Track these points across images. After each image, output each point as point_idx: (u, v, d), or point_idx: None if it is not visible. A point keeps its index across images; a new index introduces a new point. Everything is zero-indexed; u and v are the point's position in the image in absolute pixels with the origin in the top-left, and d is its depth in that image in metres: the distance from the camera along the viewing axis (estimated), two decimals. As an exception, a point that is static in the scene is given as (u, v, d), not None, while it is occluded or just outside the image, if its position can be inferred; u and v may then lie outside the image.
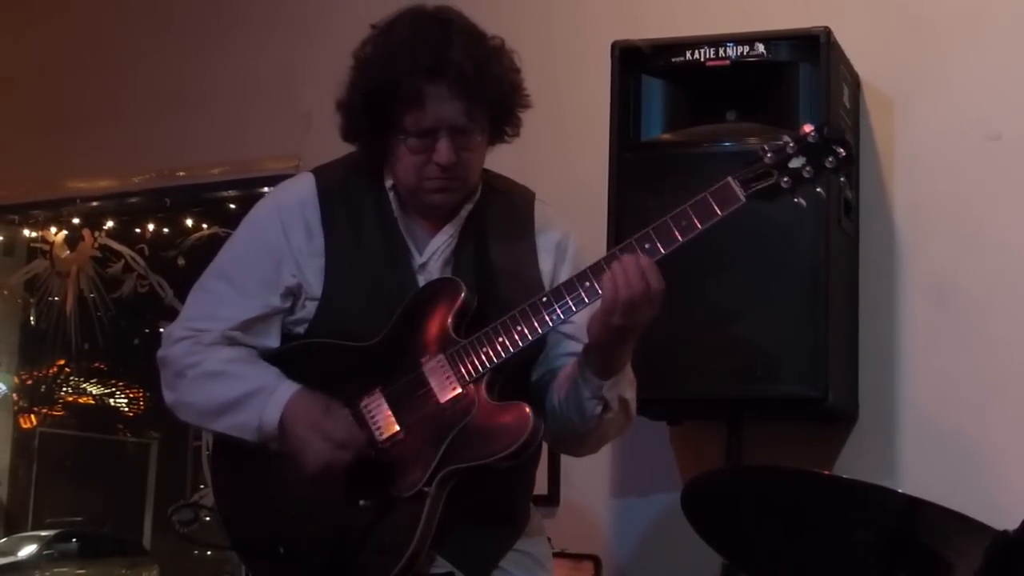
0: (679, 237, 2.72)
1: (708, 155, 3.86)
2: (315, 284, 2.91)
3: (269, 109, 5.20)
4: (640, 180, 3.88)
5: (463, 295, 2.83)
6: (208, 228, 5.60)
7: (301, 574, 2.81)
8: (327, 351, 2.90)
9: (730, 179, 2.72)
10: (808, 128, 2.74)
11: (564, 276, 2.88)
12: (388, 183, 2.95)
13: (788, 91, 3.85)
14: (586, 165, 4.13)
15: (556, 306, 2.75)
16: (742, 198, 2.71)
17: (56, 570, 5.96)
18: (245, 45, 5.32)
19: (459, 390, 2.78)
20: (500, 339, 2.76)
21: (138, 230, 5.81)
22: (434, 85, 2.79)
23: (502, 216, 2.99)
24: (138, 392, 6.00)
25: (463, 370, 2.78)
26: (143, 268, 5.77)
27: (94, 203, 5.79)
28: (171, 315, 5.62)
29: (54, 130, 5.66)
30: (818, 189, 2.74)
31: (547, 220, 3.03)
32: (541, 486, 4.14)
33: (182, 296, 5.61)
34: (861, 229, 4.09)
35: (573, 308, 2.76)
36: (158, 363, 2.99)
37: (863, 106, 4.16)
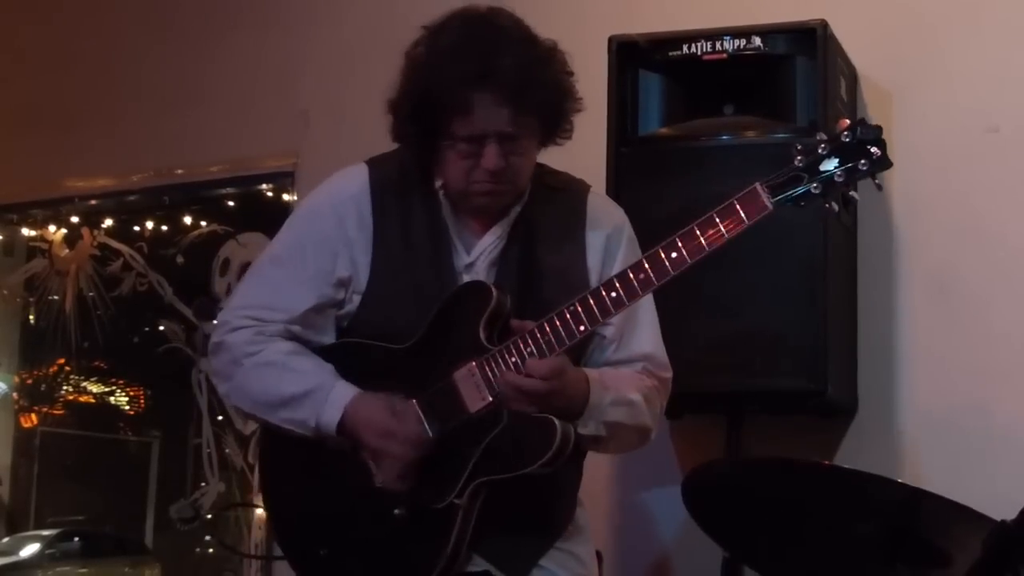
0: (705, 246, 2.65)
1: (706, 149, 3.87)
2: (363, 278, 2.91)
3: (267, 107, 5.21)
4: (638, 174, 3.89)
5: (494, 300, 2.79)
6: (207, 226, 5.59)
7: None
8: (363, 351, 2.89)
9: (758, 185, 2.62)
10: (843, 125, 2.62)
11: (619, 267, 2.84)
12: (438, 183, 2.92)
13: (785, 84, 3.85)
14: (584, 160, 4.09)
15: (583, 315, 2.70)
16: (769, 206, 2.61)
17: (58, 569, 5.96)
18: (243, 44, 5.33)
19: (489, 400, 2.76)
20: (528, 348, 2.73)
21: (137, 228, 5.81)
22: (480, 93, 2.76)
23: (553, 215, 2.96)
24: (138, 391, 6.00)
25: (493, 379, 2.75)
26: (142, 266, 5.77)
27: (93, 202, 5.80)
28: (171, 313, 5.68)
29: (52, 129, 5.67)
30: (852, 193, 2.66)
31: (598, 215, 3.00)
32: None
33: (181, 294, 5.69)
34: (859, 223, 4.09)
35: (599, 319, 2.71)
36: (211, 350, 2.99)
37: (860, 99, 4.16)
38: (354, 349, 2.91)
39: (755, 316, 3.74)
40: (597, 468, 4.27)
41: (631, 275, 2.69)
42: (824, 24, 3.82)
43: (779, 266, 3.73)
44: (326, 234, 2.93)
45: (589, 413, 2.81)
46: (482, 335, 2.78)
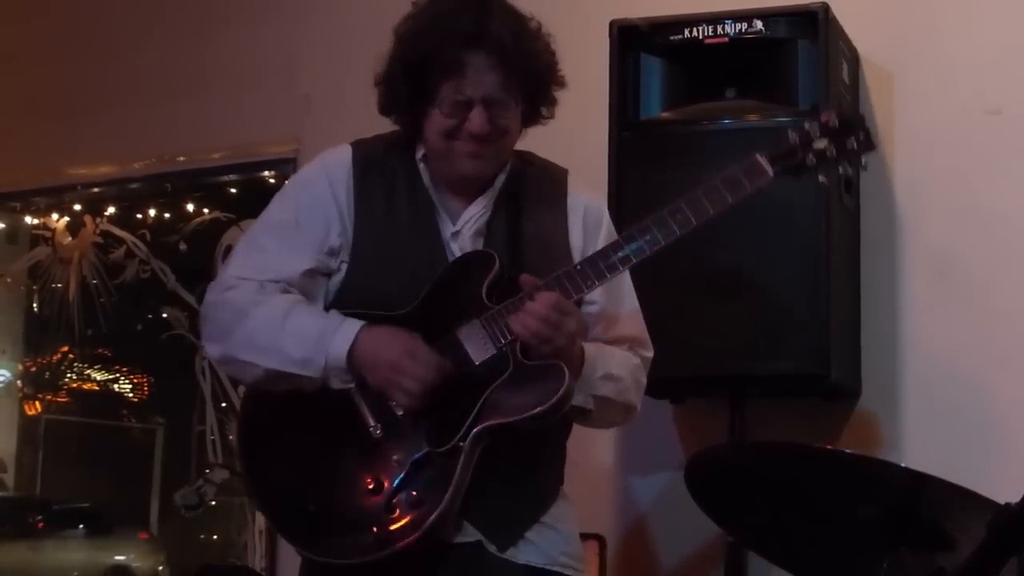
0: (710, 209, 2.80)
1: (708, 133, 3.86)
2: (350, 247, 2.95)
3: (268, 93, 5.20)
4: (640, 159, 3.89)
5: (496, 266, 2.86)
6: (209, 213, 5.59)
7: (332, 531, 2.83)
8: (359, 318, 2.89)
9: (758, 156, 2.81)
10: (826, 116, 2.85)
11: (596, 247, 2.93)
12: (419, 154, 2.98)
13: (787, 68, 3.84)
14: (586, 145, 4.11)
15: (591, 273, 2.80)
16: (770, 172, 2.80)
17: (62, 556, 5.97)
18: (244, 29, 5.32)
19: (494, 351, 2.81)
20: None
21: (139, 216, 5.80)
22: (473, 54, 2.83)
23: (536, 187, 3.03)
24: (142, 378, 5.99)
25: (498, 333, 2.81)
26: (145, 254, 5.76)
27: (95, 189, 5.79)
28: (174, 300, 5.68)
29: (54, 117, 5.66)
30: (841, 169, 2.86)
31: (579, 193, 3.08)
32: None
33: (184, 281, 5.68)
34: (862, 205, 4.09)
35: (607, 275, 2.81)
36: (206, 311, 2.99)
37: (862, 82, 4.15)
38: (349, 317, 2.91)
39: (758, 299, 3.74)
40: (600, 453, 4.28)
41: (639, 234, 2.81)
42: (825, 7, 3.81)
43: (782, 249, 3.74)
44: (317, 201, 2.96)
45: (580, 385, 2.85)
46: (484, 297, 2.84)
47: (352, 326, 2.84)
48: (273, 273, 2.93)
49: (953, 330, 4.02)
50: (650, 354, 3.10)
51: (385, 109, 2.99)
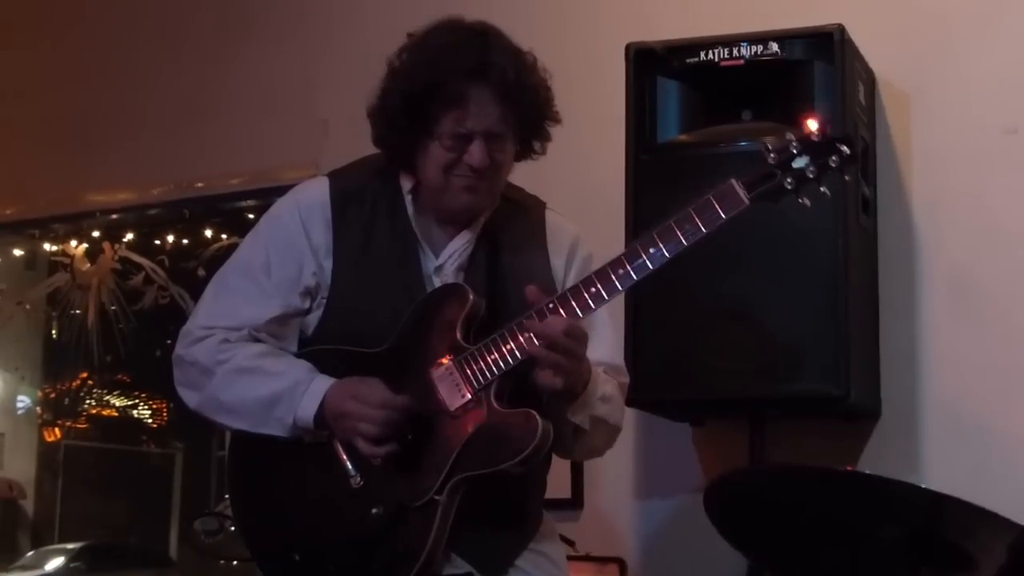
0: (683, 240, 2.71)
1: (724, 155, 3.86)
2: (328, 284, 2.92)
3: (286, 117, 5.21)
4: (657, 182, 3.88)
5: (471, 301, 2.82)
6: (227, 238, 5.62)
7: None
8: (334, 357, 2.89)
9: (733, 181, 2.72)
10: (810, 127, 2.73)
11: (572, 281, 2.90)
12: (407, 186, 2.96)
13: (803, 89, 3.84)
14: (603, 168, 4.13)
15: (562, 312, 2.74)
16: (745, 200, 2.70)
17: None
18: (260, 53, 5.34)
19: (468, 397, 2.78)
20: (508, 345, 2.75)
21: (158, 242, 5.84)
22: (476, 86, 2.82)
23: (515, 224, 3.01)
24: (161, 404, 6.03)
25: (472, 377, 2.77)
26: (164, 279, 5.80)
27: (113, 216, 5.82)
28: (193, 326, 5.69)
29: (72, 144, 5.68)
30: (822, 189, 2.72)
31: (557, 227, 3.06)
32: (564, 489, 4.17)
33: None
34: (879, 225, 4.08)
35: (579, 314, 2.74)
36: (176, 363, 2.98)
37: (879, 103, 4.15)
38: (325, 355, 2.90)
39: (776, 321, 3.74)
40: (620, 477, 4.28)
41: (610, 271, 2.74)
42: (841, 28, 3.82)
43: (800, 270, 3.73)
44: (290, 241, 2.94)
45: (582, 402, 2.84)
46: (459, 335, 2.80)
47: (320, 385, 2.83)
48: (241, 319, 2.91)
49: (973, 349, 4.01)
50: (627, 380, 3.06)
51: (379, 140, 2.96)
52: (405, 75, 2.89)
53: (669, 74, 3.98)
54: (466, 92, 2.82)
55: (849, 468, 3.64)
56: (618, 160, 3.95)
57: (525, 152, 2.96)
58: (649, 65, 3.98)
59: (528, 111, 2.88)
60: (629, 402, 3.10)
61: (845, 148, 2.71)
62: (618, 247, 3.62)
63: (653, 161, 3.94)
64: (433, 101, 2.83)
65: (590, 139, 4.33)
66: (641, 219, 3.81)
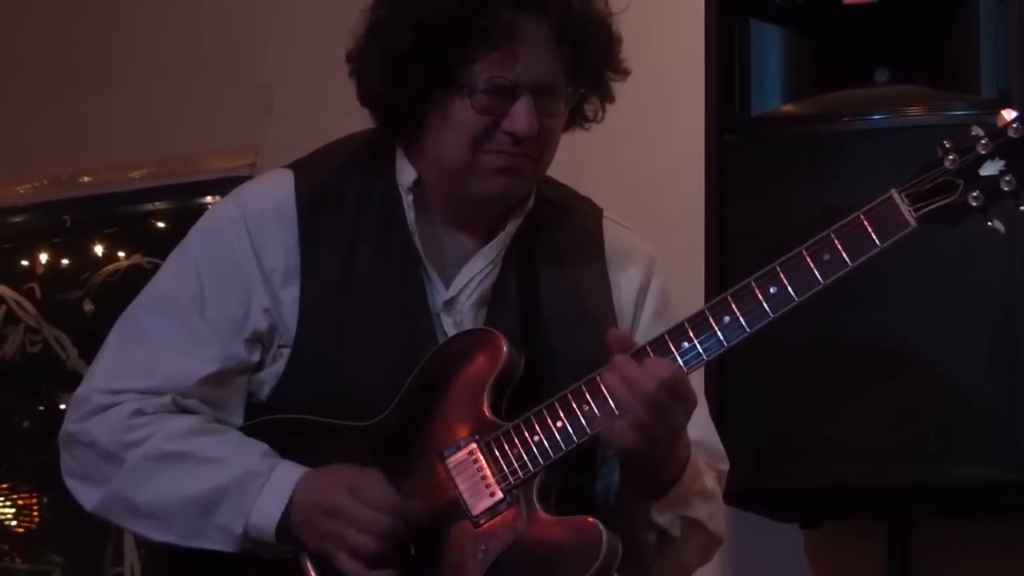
0: (820, 279, 2.67)
1: (848, 134, 3.87)
2: (291, 326, 2.89)
3: (212, 84, 5.25)
4: (751, 171, 3.91)
5: (504, 355, 2.80)
6: (126, 257, 5.64)
7: None
8: (300, 434, 2.87)
9: (894, 193, 2.66)
10: (1008, 117, 2.64)
11: (649, 323, 2.89)
12: (406, 182, 2.93)
13: (964, 37, 3.86)
14: (676, 151, 4.16)
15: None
16: (912, 222, 2.65)
17: None
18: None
19: (499, 496, 2.76)
20: (559, 423, 2.73)
21: (25, 263, 5.85)
22: (530, 19, 2.78)
23: (558, 237, 2.98)
24: (30, 499, 6.03)
25: (505, 468, 2.75)
26: (34, 317, 5.81)
27: (-41, 225, 5.86)
28: (75, 383, 5.69)
29: None
30: (1022, 207, 2.65)
31: (623, 244, 3.03)
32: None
33: (91, 357, 5.70)
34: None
35: (684, 369, 2.70)
36: (64, 444, 2.94)
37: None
38: (286, 430, 2.87)
39: (926, 377, 3.74)
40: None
41: (711, 317, 2.70)
42: (1020, -54, 3.84)
43: (957, 308, 3.74)
44: (233, 264, 2.91)
45: (675, 495, 2.82)
46: (486, 406, 2.79)
47: (285, 476, 2.79)
48: (161, 379, 2.87)
49: None
50: (726, 468, 3.04)
51: (372, 100, 2.91)
52: (415, 3, 2.82)
53: (768, 16, 4.01)
54: (516, 25, 2.78)
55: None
56: (695, 141, 3.97)
57: (574, 118, 2.94)
58: (740, 5, 4.00)
59: (592, 58, 2.85)
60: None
61: None
62: (695, 262, 3.65)
63: (745, 141, 3.96)
64: (466, 37, 2.78)
65: (661, 112, 4.36)
66: (727, 223, 3.82)
